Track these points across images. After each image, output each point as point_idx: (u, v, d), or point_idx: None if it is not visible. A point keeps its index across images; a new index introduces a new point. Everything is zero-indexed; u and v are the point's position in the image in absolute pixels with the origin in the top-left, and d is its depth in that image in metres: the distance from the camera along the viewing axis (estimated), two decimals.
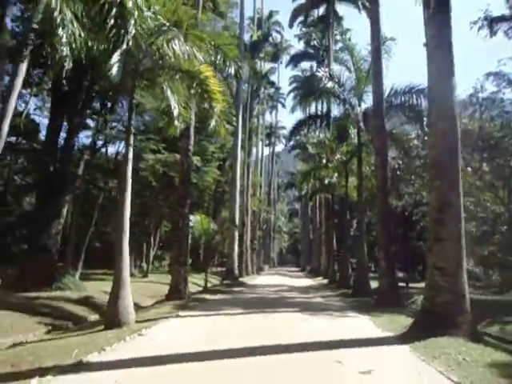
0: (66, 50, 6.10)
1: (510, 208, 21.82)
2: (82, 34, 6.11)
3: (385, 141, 12.32)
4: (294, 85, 41.00)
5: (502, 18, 20.32)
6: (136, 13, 5.72)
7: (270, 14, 43.25)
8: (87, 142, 19.13)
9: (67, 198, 16.16)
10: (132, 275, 18.26)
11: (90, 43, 6.29)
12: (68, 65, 6.32)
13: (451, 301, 6.84)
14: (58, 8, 5.65)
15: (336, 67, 25.37)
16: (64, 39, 5.92)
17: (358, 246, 16.12)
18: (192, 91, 8.39)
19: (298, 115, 36.81)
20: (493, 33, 20.71)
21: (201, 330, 7.69)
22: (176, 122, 8.96)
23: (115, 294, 7.74)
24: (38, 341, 7.72)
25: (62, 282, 14.19)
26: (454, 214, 7.13)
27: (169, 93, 8.48)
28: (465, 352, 5.66)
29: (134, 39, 6.09)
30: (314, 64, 37.69)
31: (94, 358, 5.16)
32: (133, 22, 5.65)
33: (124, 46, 5.84)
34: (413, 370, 4.99)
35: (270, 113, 62.82)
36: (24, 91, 18.02)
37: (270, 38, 39.25)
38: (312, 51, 36.92)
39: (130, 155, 8.04)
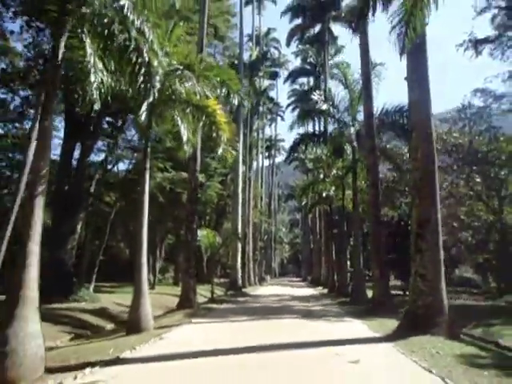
0: (95, 94, 7.24)
1: (502, 217, 22.84)
2: (111, 82, 7.26)
3: (375, 160, 13.45)
4: (293, 98, 42.53)
5: (486, 40, 21.71)
6: (160, 70, 6.83)
7: (268, 32, 45.05)
8: (98, 158, 20.27)
9: (81, 216, 17.23)
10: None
11: (117, 88, 7.45)
12: (97, 106, 7.47)
13: (431, 303, 7.89)
14: (92, 61, 6.80)
15: (332, 83, 26.76)
16: (95, 85, 7.06)
17: (354, 256, 17.14)
18: (201, 122, 9.53)
19: (297, 129, 38.03)
20: (478, 53, 22.11)
21: (212, 333, 8.70)
22: (185, 147, 10.12)
23: (136, 303, 8.77)
24: (68, 346, 8.70)
25: (78, 295, 15.15)
26: (432, 229, 8.22)
27: (180, 122, 9.65)
28: (439, 347, 6.69)
29: (158, 92, 7.25)
30: (312, 79, 39.29)
31: (127, 355, 6.20)
32: (158, 78, 6.80)
33: (151, 99, 7.00)
34: (392, 360, 6.02)
35: (270, 126, 64.15)
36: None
37: (269, 54, 40.83)
38: (309, 67, 38.34)
39: (147, 183, 9.13)
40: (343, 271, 20.51)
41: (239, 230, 24.28)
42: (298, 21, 32.99)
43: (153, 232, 24.56)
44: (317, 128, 21.25)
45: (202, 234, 14.97)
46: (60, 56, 5.99)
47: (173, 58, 8.56)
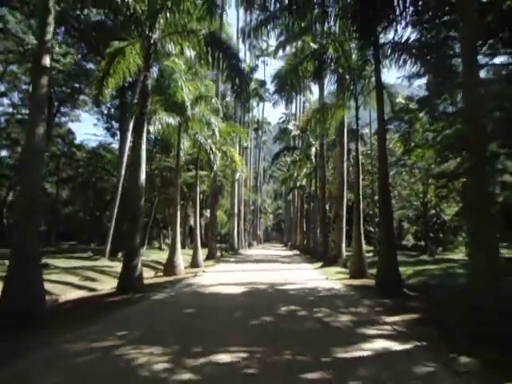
0: None
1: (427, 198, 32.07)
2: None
3: (324, 175, 22.28)
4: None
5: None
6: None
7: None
8: None
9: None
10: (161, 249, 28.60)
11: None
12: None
13: (336, 253, 17.10)
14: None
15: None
16: None
17: (314, 228, 26.37)
18: (226, 161, 18.13)
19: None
20: None
21: (232, 266, 17.78)
22: (215, 168, 18.73)
23: (194, 255, 17.63)
24: (160, 276, 17.61)
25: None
26: (340, 219, 17.26)
27: (213, 159, 18.20)
28: (332, 270, 15.83)
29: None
30: None
31: (204, 271, 15.17)
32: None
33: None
34: (313, 272, 15.20)
35: (257, 105, 71.51)
36: None
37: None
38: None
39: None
40: (308, 238, 29.85)
41: (236, 210, 33.20)
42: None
43: (183, 211, 33.43)
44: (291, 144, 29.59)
45: (220, 214, 23.82)
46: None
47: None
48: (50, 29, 6.34)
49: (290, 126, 24.59)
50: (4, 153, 39.18)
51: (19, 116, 32.55)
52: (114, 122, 33.81)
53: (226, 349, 4.44)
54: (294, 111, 51.83)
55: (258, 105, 70.39)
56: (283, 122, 53.12)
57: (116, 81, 11.93)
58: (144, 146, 10.33)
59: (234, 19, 40.74)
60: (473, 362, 4.17)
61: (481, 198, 5.53)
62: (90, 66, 18.52)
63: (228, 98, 41.35)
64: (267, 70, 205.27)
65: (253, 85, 48.02)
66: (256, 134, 73.75)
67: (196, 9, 9.49)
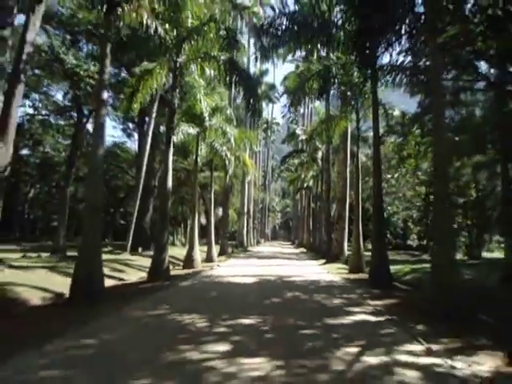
0: None
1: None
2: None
3: (329, 171, 23.80)
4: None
5: None
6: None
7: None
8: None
9: (151, 199, 27.60)
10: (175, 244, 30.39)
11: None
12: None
13: (339, 251, 18.69)
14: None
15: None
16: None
17: (320, 227, 27.95)
18: (239, 167, 19.80)
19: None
20: None
21: (242, 261, 19.47)
22: (229, 172, 20.42)
23: (209, 251, 19.36)
24: (179, 269, 19.38)
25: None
26: (342, 219, 18.83)
27: (228, 164, 19.87)
28: (335, 266, 17.44)
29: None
30: None
31: (218, 265, 16.88)
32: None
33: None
34: (317, 268, 16.82)
35: (267, 106, 73.14)
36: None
37: None
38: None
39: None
40: (315, 237, 31.44)
41: (245, 209, 34.89)
42: None
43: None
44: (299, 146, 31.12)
45: (231, 213, 25.55)
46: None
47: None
48: (107, 69, 8.04)
49: (298, 131, 26.21)
50: (25, 151, 41.38)
51: (40, 117, 34.64)
52: (130, 124, 35.76)
53: (247, 317, 6.12)
54: (302, 111, 53.34)
55: (267, 105, 72.45)
56: (291, 121, 54.52)
57: (143, 96, 13.65)
58: (171, 157, 12.05)
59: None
60: (424, 328, 5.78)
61: (441, 203, 7.11)
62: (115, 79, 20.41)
63: (238, 100, 43.12)
64: (277, 72, 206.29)
65: (263, 88, 49.76)
66: (265, 134, 75.47)
67: (218, 41, 11.12)
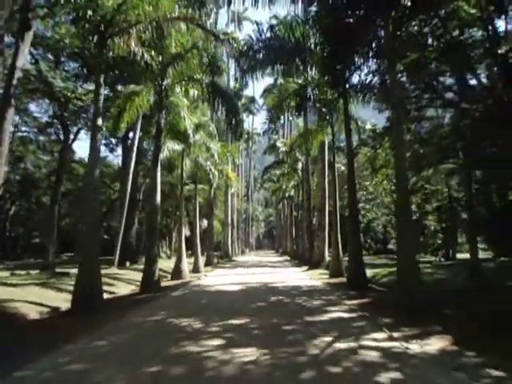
0: None
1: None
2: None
3: (309, 187, 24.88)
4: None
5: None
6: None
7: None
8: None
9: (136, 213, 28.03)
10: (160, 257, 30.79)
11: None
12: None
13: (319, 258, 19.64)
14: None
15: None
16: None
17: (302, 235, 28.92)
18: (223, 179, 20.61)
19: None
20: None
21: (229, 271, 20.19)
22: (214, 186, 21.21)
23: (196, 262, 19.99)
24: (168, 280, 19.91)
25: (141, 260, 26.22)
26: (322, 228, 19.82)
27: (212, 178, 20.66)
28: (318, 272, 18.34)
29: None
30: None
31: (206, 275, 17.54)
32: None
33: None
34: (300, 274, 17.70)
35: (247, 117, 74.50)
36: None
37: None
38: None
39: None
40: (297, 244, 32.39)
41: (229, 219, 35.63)
42: None
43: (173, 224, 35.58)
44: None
45: (216, 224, 26.26)
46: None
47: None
48: (101, 97, 8.78)
49: (279, 143, 27.31)
50: (5, 168, 41.04)
51: (19, 133, 34.68)
52: (112, 139, 36.16)
53: (236, 318, 6.92)
54: (282, 121, 54.93)
55: (247, 117, 73.81)
56: (272, 132, 55.88)
57: (130, 116, 14.38)
58: (159, 174, 12.78)
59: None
60: (390, 321, 6.70)
61: (402, 213, 8.11)
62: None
63: (219, 113, 44.13)
64: (256, 84, 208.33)
65: (243, 101, 50.98)
66: (246, 145, 76.66)
67: (201, 66, 12.02)
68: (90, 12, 8.33)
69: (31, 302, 9.35)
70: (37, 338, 5.97)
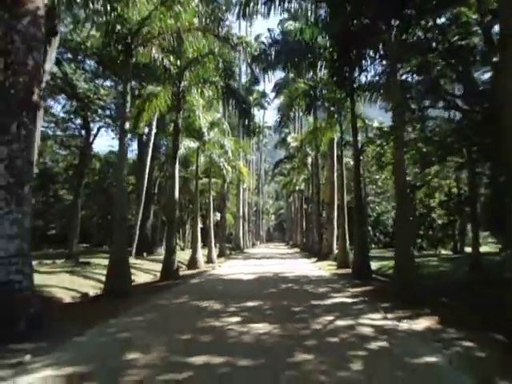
0: None
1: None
2: None
3: (318, 181, 25.64)
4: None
5: None
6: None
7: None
8: None
9: (152, 206, 29.18)
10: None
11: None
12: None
13: (328, 250, 20.47)
14: None
15: None
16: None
17: (312, 228, 29.75)
18: (235, 174, 21.52)
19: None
20: None
21: (242, 261, 21.16)
22: (227, 180, 22.14)
23: (209, 253, 21.02)
24: (184, 270, 20.99)
25: (157, 251, 27.43)
26: (330, 221, 20.62)
27: (225, 174, 21.57)
28: (326, 263, 19.21)
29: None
30: None
31: (219, 266, 18.56)
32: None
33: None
34: (310, 265, 18.59)
35: (258, 111, 75.09)
36: None
37: None
38: None
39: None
40: (307, 237, 33.26)
41: (241, 212, 36.61)
42: None
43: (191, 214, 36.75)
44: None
45: (228, 217, 27.27)
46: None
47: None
48: (128, 104, 9.72)
49: (289, 139, 28.06)
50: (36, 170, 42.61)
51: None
52: (128, 134, 37.31)
53: (250, 301, 7.87)
54: (292, 115, 55.44)
55: (258, 111, 74.39)
56: (283, 126, 56.46)
57: (149, 115, 15.33)
58: (177, 170, 13.74)
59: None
60: (389, 306, 7.55)
61: (401, 210, 8.89)
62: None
63: (231, 108, 44.86)
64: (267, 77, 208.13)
65: (255, 95, 51.60)
66: (257, 139, 77.39)
67: (216, 70, 12.86)
68: (118, 26, 9.22)
69: (64, 288, 10.46)
70: (80, 316, 6.98)
